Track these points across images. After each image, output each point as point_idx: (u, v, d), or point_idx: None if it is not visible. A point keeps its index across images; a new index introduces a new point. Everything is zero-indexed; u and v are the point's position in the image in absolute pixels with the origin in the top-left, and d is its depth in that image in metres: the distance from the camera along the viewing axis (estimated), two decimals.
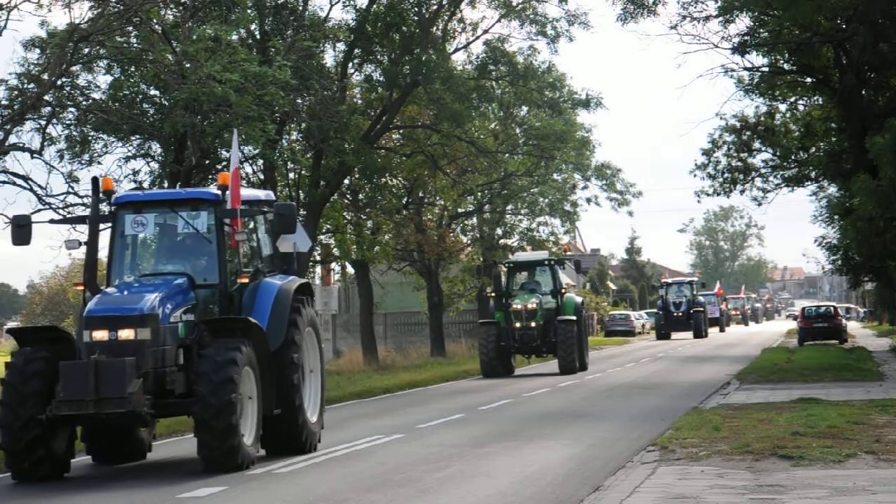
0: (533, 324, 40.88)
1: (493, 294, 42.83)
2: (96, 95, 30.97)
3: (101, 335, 16.70)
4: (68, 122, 30.48)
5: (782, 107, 48.14)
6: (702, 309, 79.30)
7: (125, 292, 17.53)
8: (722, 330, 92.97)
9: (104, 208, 18.60)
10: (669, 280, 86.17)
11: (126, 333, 16.67)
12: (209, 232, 18.19)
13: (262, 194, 20.07)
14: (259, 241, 19.07)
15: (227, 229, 17.98)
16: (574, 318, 40.63)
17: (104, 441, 18.71)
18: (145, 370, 16.60)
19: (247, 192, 19.28)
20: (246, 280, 18.16)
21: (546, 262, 43.65)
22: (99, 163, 31.28)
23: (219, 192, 18.17)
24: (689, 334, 77.33)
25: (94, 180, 18.71)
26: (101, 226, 18.57)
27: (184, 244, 18.68)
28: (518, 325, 40.96)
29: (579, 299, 43.45)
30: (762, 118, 47.13)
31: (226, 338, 17.03)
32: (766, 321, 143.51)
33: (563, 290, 42.43)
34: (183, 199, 18.70)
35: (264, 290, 18.42)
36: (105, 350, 16.54)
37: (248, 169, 38.95)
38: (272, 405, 17.78)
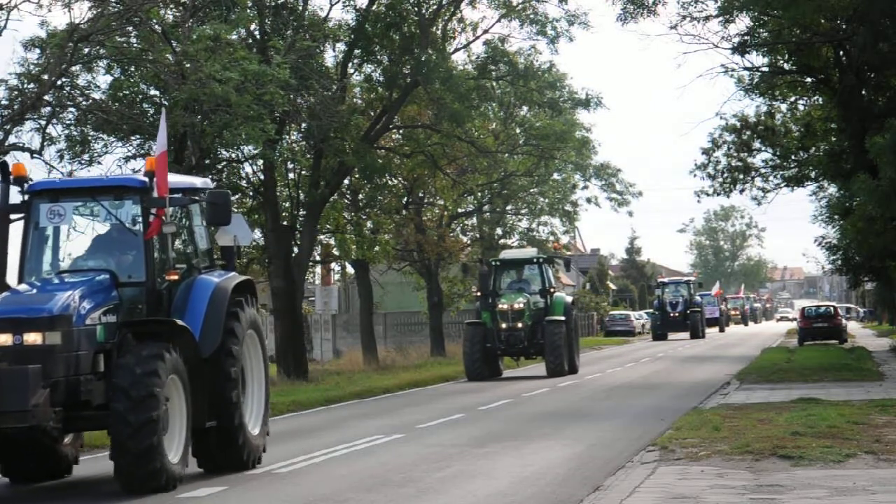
0: (520, 324, 39.24)
1: (478, 293, 41.37)
2: (96, 95, 30.99)
3: (3, 339, 14.71)
4: (68, 122, 30.50)
5: (782, 107, 48.19)
6: (699, 309, 78.57)
7: (35, 291, 15.59)
8: (721, 330, 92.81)
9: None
10: (666, 280, 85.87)
11: (33, 337, 14.71)
12: (135, 223, 16.32)
13: (198, 182, 17.99)
14: (194, 233, 17.20)
15: (152, 220, 16.07)
16: (563, 318, 39.15)
17: (18, 457, 16.34)
18: (55, 379, 14.66)
19: (181, 179, 17.62)
20: (175, 277, 16.27)
21: (535, 261, 41.87)
22: (99, 163, 31.32)
23: (146, 179, 16.22)
24: (686, 335, 76.72)
25: (2, 165, 16.64)
26: (14, 216, 16.47)
27: (107, 237, 16.71)
28: (504, 325, 39.33)
29: (569, 299, 41.86)
30: (762, 118, 47.16)
31: (150, 341, 15.26)
32: (765, 321, 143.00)
33: (551, 290, 40.67)
34: (105, 186, 16.69)
35: (199, 288, 16.53)
36: (8, 356, 14.60)
37: (248, 169, 39.05)
38: (204, 417, 15.98)
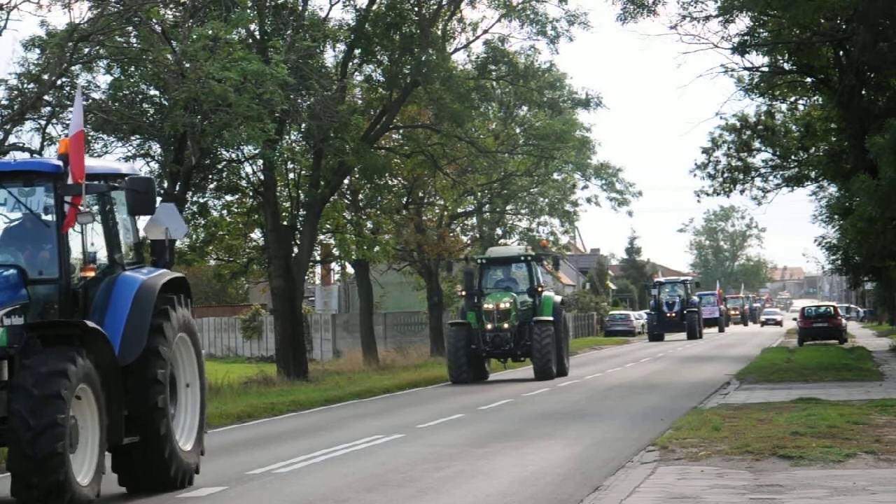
0: (506, 325, 37.37)
1: (463, 293, 39.46)
2: (96, 95, 31.03)
3: None
4: (68, 122, 30.51)
5: (782, 107, 48.23)
6: (696, 309, 77.75)
7: None
8: (721, 330, 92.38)
9: None
10: (662, 280, 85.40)
11: None
12: (47, 213, 14.48)
13: (123, 167, 15.95)
14: (117, 225, 15.22)
15: (67, 210, 14.16)
16: (551, 318, 37.50)
17: None
18: None
19: (101, 164, 15.89)
20: (91, 273, 14.45)
21: (522, 258, 39.73)
22: None
23: (59, 164, 14.34)
24: (683, 335, 75.95)
25: None
26: None
27: (18, 228, 14.74)
28: (490, 326, 37.46)
29: (558, 298, 39.86)
30: (762, 118, 47.20)
31: (59, 346, 13.37)
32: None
33: (539, 289, 38.71)
34: (13, 171, 14.65)
35: (122, 286, 14.70)
36: None
37: (248, 169, 39.06)
38: (121, 432, 14.14)
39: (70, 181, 14.10)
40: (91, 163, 14.87)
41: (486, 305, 37.82)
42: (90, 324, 13.78)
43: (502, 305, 37.67)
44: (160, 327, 14.71)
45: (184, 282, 15.63)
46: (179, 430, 15.30)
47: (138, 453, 14.64)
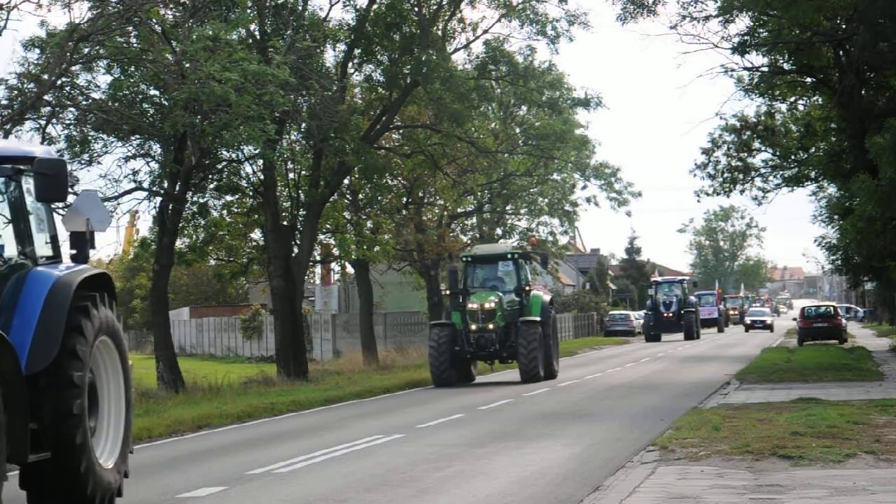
0: (491, 325, 35.95)
1: (447, 292, 37.97)
2: (96, 95, 31.05)
3: None
4: (68, 122, 30.56)
5: (782, 107, 48.26)
6: (693, 309, 77.32)
7: None
8: (720, 330, 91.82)
9: None
10: (660, 279, 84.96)
11: None
12: None
13: (38, 150, 13.46)
14: (28, 214, 13.15)
15: None
16: (538, 318, 36.16)
17: None
18: None
19: (8, 146, 14.14)
20: None
21: (509, 256, 38.21)
22: (99, 163, 31.44)
23: None
24: (681, 336, 75.48)
25: None
26: None
27: None
28: (474, 326, 36.03)
29: (547, 298, 38.54)
30: (762, 118, 47.23)
31: None
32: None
33: (527, 288, 37.40)
34: None
35: (32, 283, 12.70)
36: None
37: (248, 169, 39.11)
38: (25, 448, 11.87)
39: None
40: None
41: (470, 305, 36.41)
42: None
43: (487, 305, 36.24)
44: (78, 325, 12.71)
45: (106, 279, 13.59)
46: (100, 447, 13.23)
47: (50, 469, 12.49)
